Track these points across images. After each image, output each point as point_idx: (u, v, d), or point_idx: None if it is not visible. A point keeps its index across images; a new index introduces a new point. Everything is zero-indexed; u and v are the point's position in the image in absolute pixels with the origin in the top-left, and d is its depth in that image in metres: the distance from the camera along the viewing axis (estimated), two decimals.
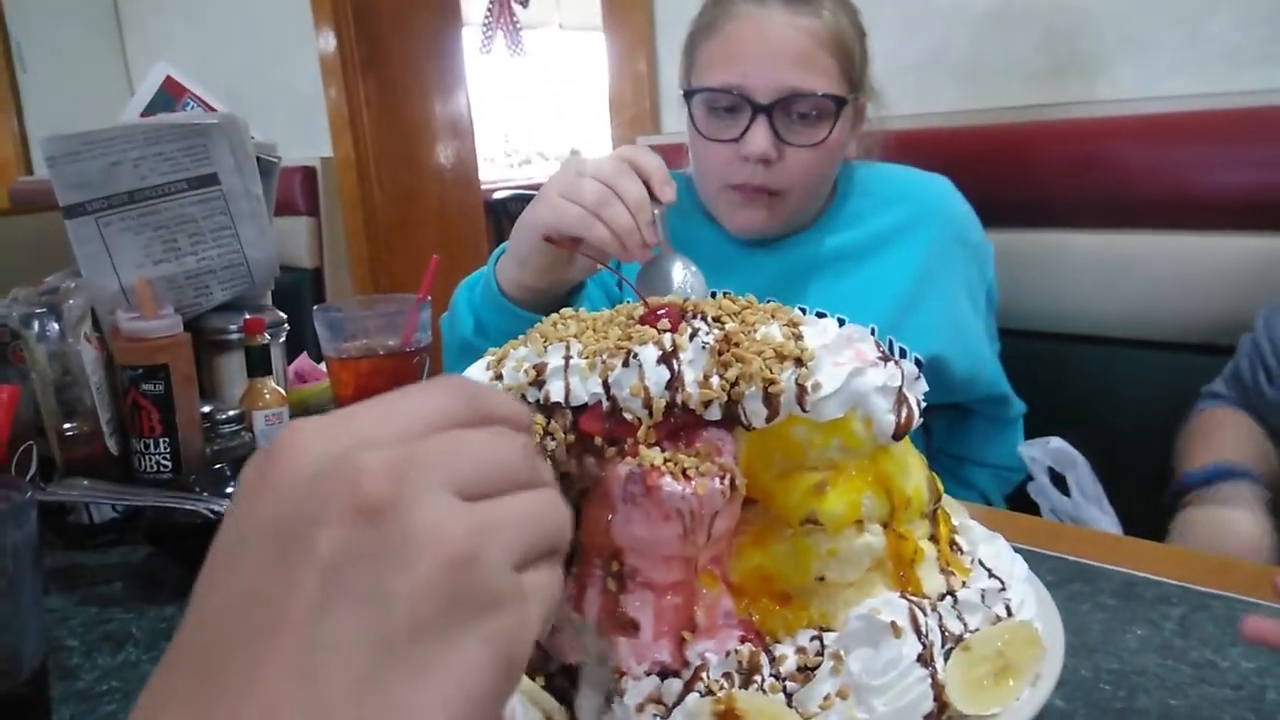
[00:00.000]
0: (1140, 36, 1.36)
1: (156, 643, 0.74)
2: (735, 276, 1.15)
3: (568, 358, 0.58)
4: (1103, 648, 0.55)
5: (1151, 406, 1.26)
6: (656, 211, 0.92)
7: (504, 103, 6.44)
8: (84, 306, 0.97)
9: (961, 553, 0.60)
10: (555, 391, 0.56)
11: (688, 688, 0.52)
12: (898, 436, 0.55)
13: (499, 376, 0.59)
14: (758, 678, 0.52)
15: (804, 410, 0.53)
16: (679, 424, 0.55)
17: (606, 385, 0.56)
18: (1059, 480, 1.19)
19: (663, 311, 0.61)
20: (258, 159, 1.09)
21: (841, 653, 0.51)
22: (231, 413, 1.06)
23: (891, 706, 0.50)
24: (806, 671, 0.52)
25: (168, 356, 0.98)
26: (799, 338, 0.56)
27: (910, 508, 0.57)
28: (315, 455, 0.30)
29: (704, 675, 0.52)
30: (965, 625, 0.54)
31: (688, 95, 1.12)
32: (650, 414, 0.54)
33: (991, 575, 0.58)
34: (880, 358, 0.56)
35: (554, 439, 0.56)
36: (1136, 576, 0.74)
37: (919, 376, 0.59)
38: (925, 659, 0.51)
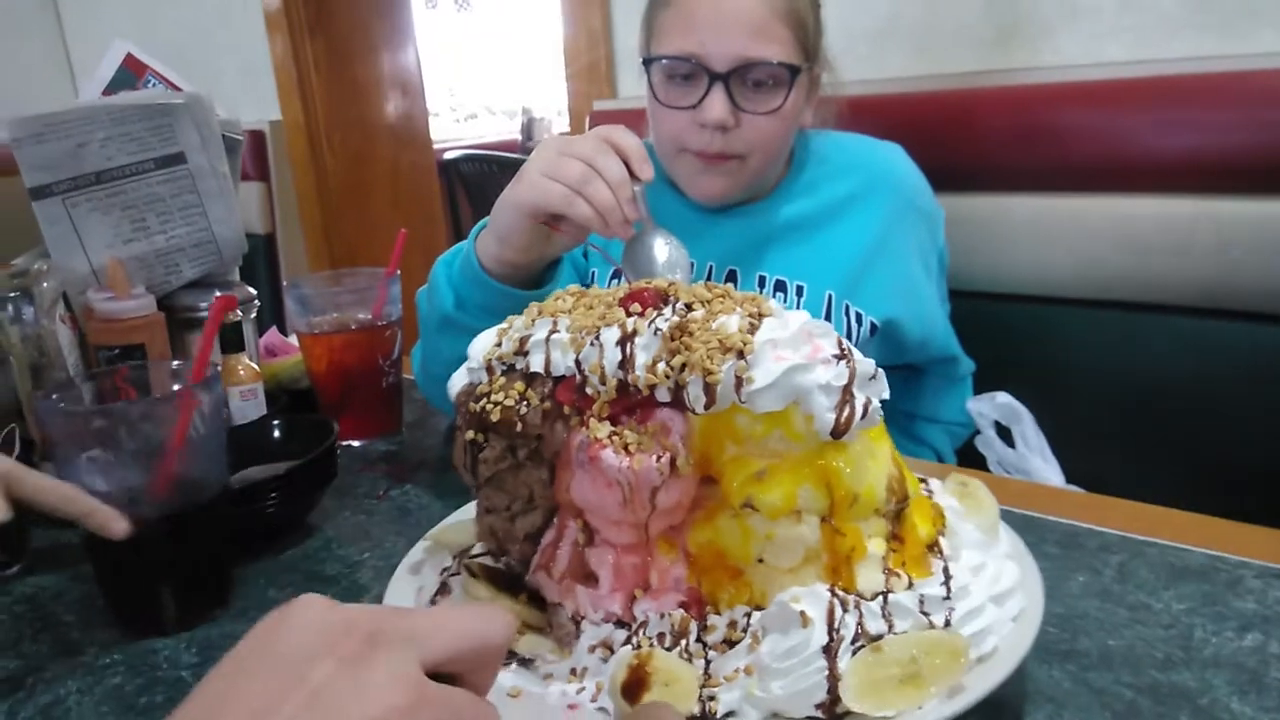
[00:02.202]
0: (1082, 4, 1.40)
1: None
2: (695, 243, 1.17)
3: (553, 332, 0.63)
4: (1047, 594, 0.59)
5: (1093, 362, 1.32)
6: (636, 189, 0.94)
7: (449, 57, 6.33)
8: (56, 288, 0.98)
9: (941, 556, 0.60)
10: (536, 362, 0.63)
11: (629, 639, 0.59)
12: (836, 435, 0.56)
13: (500, 344, 0.66)
14: (684, 642, 0.58)
15: (741, 401, 0.57)
16: (634, 402, 0.60)
17: (578, 361, 0.61)
18: (1005, 433, 1.25)
19: (645, 294, 0.65)
20: (223, 136, 1.09)
21: (759, 633, 0.56)
22: None
23: (787, 691, 0.52)
24: (728, 644, 0.57)
25: (143, 336, 0.99)
26: (751, 330, 0.58)
27: (858, 505, 0.57)
28: (321, 610, 0.38)
29: (643, 631, 0.59)
30: (890, 627, 0.54)
31: (647, 63, 1.15)
32: (606, 390, 0.60)
33: (947, 584, 0.57)
34: (836, 355, 0.57)
35: (528, 404, 0.62)
36: (1079, 527, 0.79)
37: (874, 377, 0.58)
38: (830, 651, 0.53)
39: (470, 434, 0.64)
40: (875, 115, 1.34)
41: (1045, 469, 1.20)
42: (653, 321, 0.61)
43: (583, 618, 0.62)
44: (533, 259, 0.97)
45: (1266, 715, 0.55)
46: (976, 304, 1.36)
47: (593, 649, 0.60)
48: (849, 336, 1.14)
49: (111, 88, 1.09)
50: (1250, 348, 1.19)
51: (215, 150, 1.07)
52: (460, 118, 6.56)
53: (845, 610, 0.54)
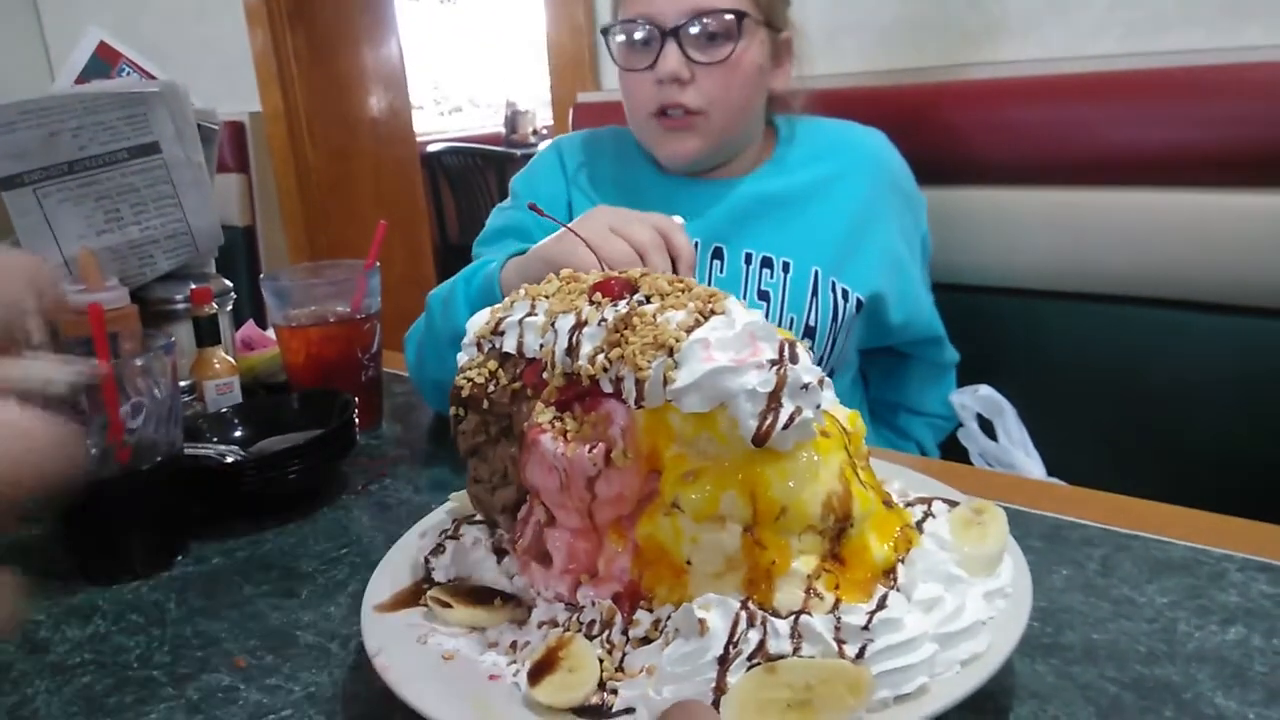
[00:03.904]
0: None
1: (125, 614, 0.75)
2: (683, 218, 1.18)
3: (529, 314, 0.64)
4: (1032, 587, 0.59)
5: (1075, 355, 1.32)
6: None
7: (433, 49, 6.30)
8: None
9: (891, 584, 0.57)
10: (509, 343, 0.65)
11: (569, 621, 0.61)
12: (757, 442, 0.54)
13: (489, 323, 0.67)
14: (607, 632, 0.58)
15: (668, 399, 0.56)
16: (582, 390, 0.60)
17: (541, 345, 0.63)
18: (987, 426, 1.25)
19: (613, 283, 0.65)
20: (198, 126, 1.07)
21: (670, 634, 0.55)
22: (182, 383, 1.06)
23: (674, 696, 0.52)
24: (646, 641, 0.57)
25: (116, 328, 0.97)
26: (695, 326, 0.57)
27: (785, 518, 0.55)
28: None
29: (579, 616, 0.60)
30: (796, 649, 0.52)
31: (605, 33, 1.18)
32: (555, 376, 0.61)
33: (874, 614, 0.53)
34: (771, 361, 0.55)
35: (498, 383, 0.65)
36: (1062, 520, 0.79)
37: (807, 386, 0.55)
38: (724, 663, 0.52)
39: (451, 407, 0.68)
40: (860, 108, 1.34)
41: (1027, 462, 1.20)
42: (603, 312, 0.61)
43: (537, 594, 0.63)
44: None
45: (1251, 709, 0.55)
46: (958, 297, 1.36)
47: (540, 625, 0.62)
48: (835, 313, 1.14)
49: (84, 76, 1.07)
50: (1233, 341, 1.20)
51: (190, 140, 1.05)
52: (444, 110, 6.54)
53: (751, 625, 0.53)
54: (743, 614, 0.54)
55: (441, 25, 6.26)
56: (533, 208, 0.92)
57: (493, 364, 0.65)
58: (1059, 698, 0.57)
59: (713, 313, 0.58)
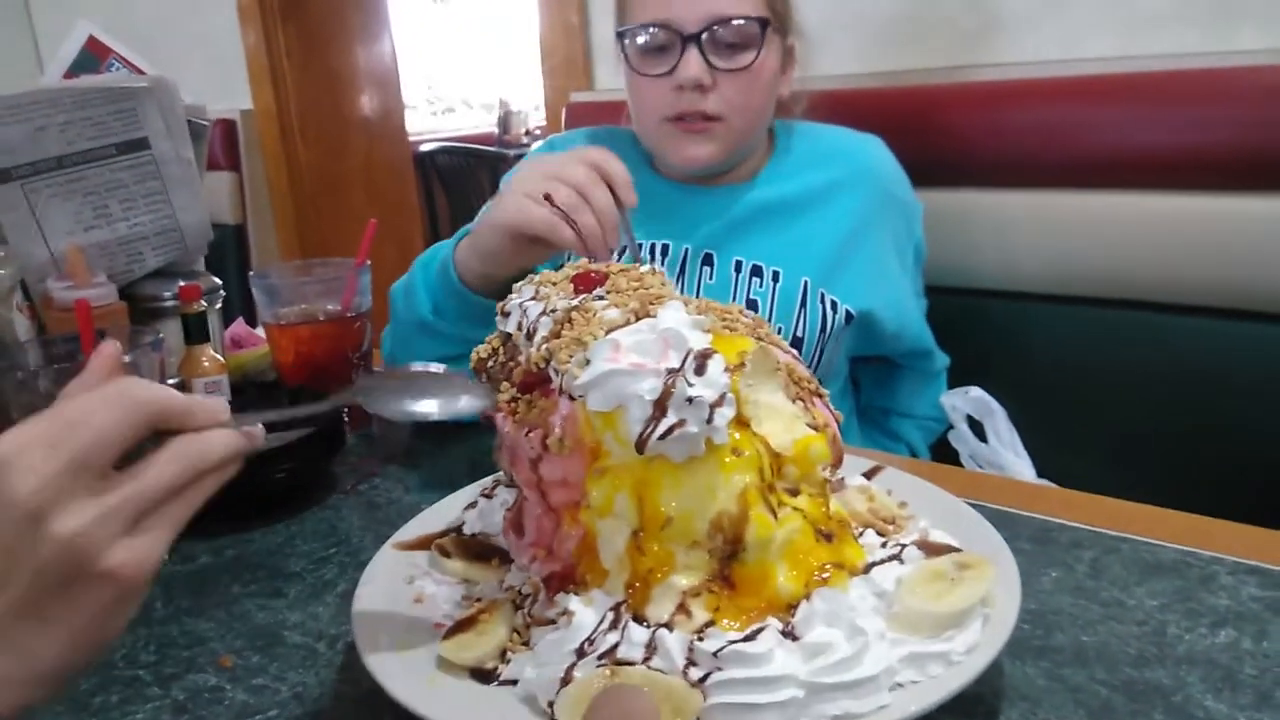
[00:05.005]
0: None
1: None
2: (673, 225, 1.19)
3: (534, 298, 0.67)
4: (1021, 590, 0.59)
5: (1067, 358, 1.32)
6: (621, 215, 0.95)
7: (426, 49, 6.29)
8: (14, 276, 0.95)
9: (782, 619, 0.54)
10: (510, 324, 0.68)
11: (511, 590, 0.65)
12: (637, 449, 0.55)
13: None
14: (525, 605, 0.62)
15: (577, 395, 0.58)
16: (543, 376, 0.63)
17: None
18: (978, 428, 1.25)
19: (590, 276, 0.69)
20: (188, 122, 1.07)
21: (556, 619, 0.57)
22: (170, 381, 1.05)
23: (536, 678, 0.54)
24: (546, 621, 0.59)
25: (104, 325, 0.96)
26: (617, 326, 0.59)
27: (670, 529, 0.55)
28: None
29: (520, 587, 0.64)
30: (646, 660, 0.52)
31: (620, 36, 1.15)
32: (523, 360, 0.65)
33: (731, 645, 0.52)
34: (670, 370, 0.55)
35: (496, 359, 0.69)
36: (1052, 522, 0.79)
37: (700, 401, 0.54)
38: (579, 655, 0.53)
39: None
40: (854, 109, 1.34)
41: (1017, 464, 1.20)
42: (557, 303, 0.64)
43: (511, 560, 0.67)
44: (511, 271, 0.97)
45: (1241, 713, 0.55)
46: (951, 299, 1.36)
47: (505, 589, 0.65)
48: (824, 324, 1.14)
49: (73, 70, 1.06)
50: (1223, 344, 1.20)
51: (180, 136, 1.05)
52: (438, 110, 6.52)
53: (613, 627, 0.54)
54: (610, 615, 0.55)
55: (435, 25, 6.25)
56: (547, 197, 0.93)
57: (497, 341, 0.70)
58: (1049, 700, 0.57)
59: (646, 314, 0.60)
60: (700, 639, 0.53)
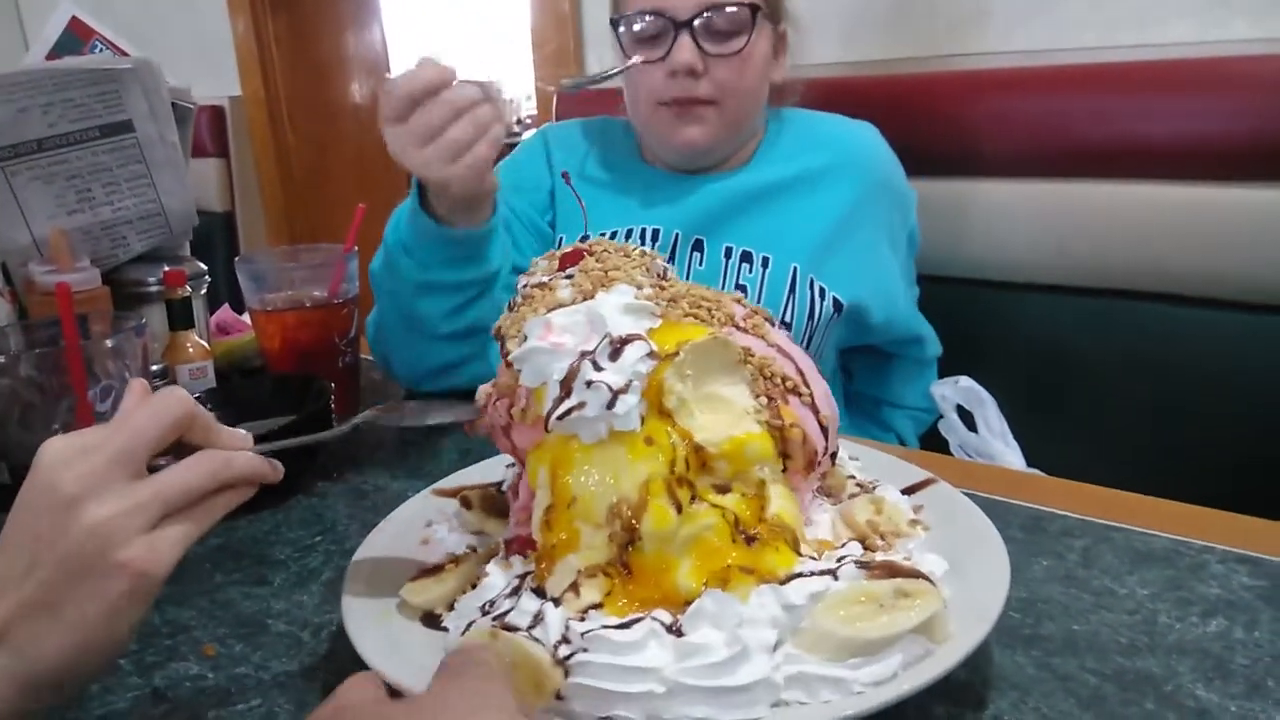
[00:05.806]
0: None
1: None
2: (665, 210, 1.19)
3: (529, 274, 0.69)
4: (1011, 578, 0.58)
5: (1055, 347, 1.32)
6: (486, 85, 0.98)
7: (418, 37, 6.25)
8: None
9: (671, 613, 0.53)
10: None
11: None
12: (545, 427, 0.57)
13: None
14: (481, 568, 0.63)
15: (516, 368, 0.60)
16: None
17: None
18: (967, 417, 1.25)
19: (573, 253, 0.69)
20: (173, 104, 1.05)
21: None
22: (154, 367, 1.04)
23: (453, 632, 0.57)
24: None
25: (87, 310, 0.95)
26: (561, 305, 0.61)
27: (574, 508, 0.56)
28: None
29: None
30: (528, 629, 0.53)
31: (615, 24, 1.17)
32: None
33: (600, 630, 0.52)
34: (584, 351, 0.57)
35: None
36: (1043, 511, 0.78)
37: (598, 385, 0.55)
38: (482, 614, 0.56)
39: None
40: (846, 97, 1.33)
41: (1007, 453, 1.20)
42: (531, 279, 0.67)
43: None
44: (471, 190, 0.98)
45: (1232, 702, 0.54)
46: (942, 289, 1.35)
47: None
48: (812, 311, 1.14)
49: (56, 51, 1.04)
50: (1214, 334, 1.20)
51: (164, 119, 1.03)
52: None
53: (511, 594, 0.57)
54: (515, 581, 0.58)
55: (425, 13, 6.21)
56: (565, 177, 0.93)
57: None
58: (1039, 689, 0.56)
59: (593, 295, 0.62)
60: (582, 619, 0.53)
